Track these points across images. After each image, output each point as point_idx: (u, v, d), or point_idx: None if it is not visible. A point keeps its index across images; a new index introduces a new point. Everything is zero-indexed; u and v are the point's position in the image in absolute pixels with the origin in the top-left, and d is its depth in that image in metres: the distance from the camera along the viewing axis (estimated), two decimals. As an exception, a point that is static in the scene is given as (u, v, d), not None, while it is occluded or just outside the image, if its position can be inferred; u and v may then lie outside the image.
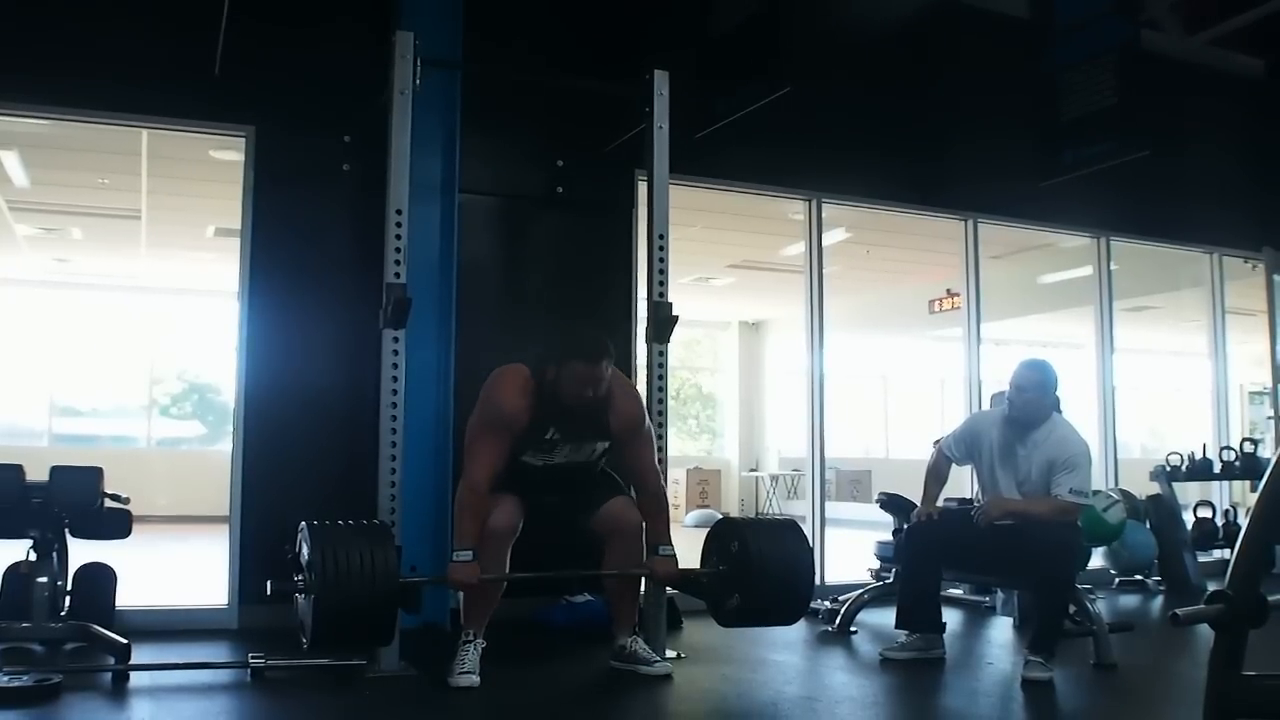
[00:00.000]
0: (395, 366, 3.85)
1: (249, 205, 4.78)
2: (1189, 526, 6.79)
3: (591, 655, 4.08)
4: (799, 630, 4.55)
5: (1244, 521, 1.72)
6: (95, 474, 4.08)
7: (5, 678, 3.25)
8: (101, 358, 12.00)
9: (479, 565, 3.53)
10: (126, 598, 4.39)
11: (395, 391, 3.85)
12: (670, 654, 4.10)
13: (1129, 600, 6.13)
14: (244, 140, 4.84)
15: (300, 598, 3.42)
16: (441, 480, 4.50)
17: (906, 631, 4.21)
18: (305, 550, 3.35)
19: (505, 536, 3.67)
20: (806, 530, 4.37)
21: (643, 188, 5.03)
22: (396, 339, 3.85)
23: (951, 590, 5.30)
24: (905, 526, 4.64)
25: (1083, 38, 5.69)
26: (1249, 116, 7.56)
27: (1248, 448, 7.05)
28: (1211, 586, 1.63)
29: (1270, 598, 1.59)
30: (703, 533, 4.16)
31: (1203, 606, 1.59)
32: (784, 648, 4.47)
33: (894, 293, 12.15)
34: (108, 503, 4.13)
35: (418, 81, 3.97)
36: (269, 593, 3.45)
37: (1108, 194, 6.56)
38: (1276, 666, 1.65)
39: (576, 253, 5.42)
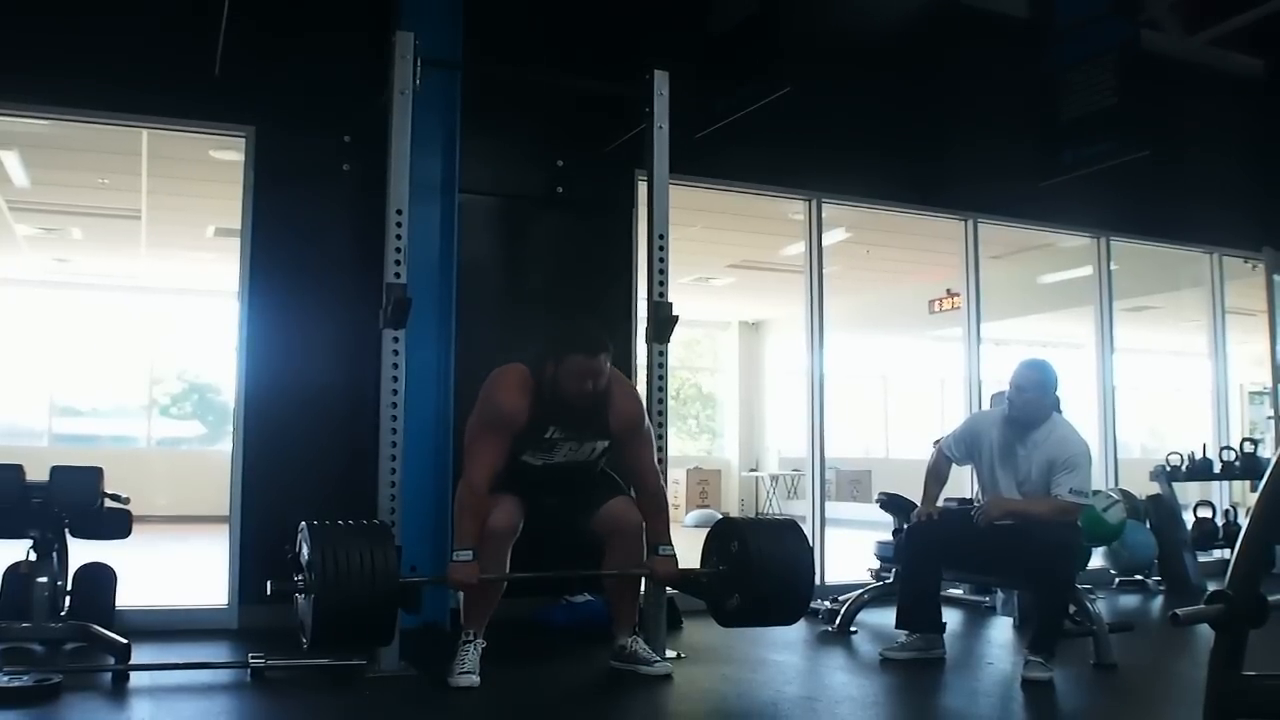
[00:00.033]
0: (395, 366, 3.85)
1: (249, 205, 4.78)
2: (1189, 526, 6.78)
3: (591, 655, 4.08)
4: (799, 630, 4.55)
5: (1244, 521, 1.72)
6: (95, 474, 4.08)
7: (5, 678, 3.25)
8: (101, 358, 12.01)
9: (479, 565, 3.53)
10: (126, 598, 4.39)
11: (395, 391, 3.85)
12: (670, 654, 4.10)
13: (1129, 600, 6.13)
14: (244, 140, 4.84)
15: (300, 598, 3.42)
16: (441, 480, 4.50)
17: (906, 631, 4.21)
18: (305, 550, 3.35)
19: (505, 536, 3.67)
20: (806, 530, 4.37)
21: (643, 188, 5.03)
22: (396, 339, 3.85)
23: (951, 590, 5.30)
24: (905, 526, 4.64)
25: (1082, 38, 5.69)
26: (1249, 116, 7.56)
27: (1248, 448, 7.05)
28: (1211, 586, 1.63)
29: (1270, 598, 1.60)
30: (703, 533, 4.16)
31: (1203, 606, 1.59)
32: (784, 648, 4.47)
33: (894, 293, 12.15)
34: (108, 503, 4.13)
35: (418, 81, 3.97)
36: (269, 593, 3.45)
37: (1108, 194, 6.57)
38: (1276, 666, 1.65)
39: (576, 253, 5.42)
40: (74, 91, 4.56)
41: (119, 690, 3.47)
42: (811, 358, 6.09)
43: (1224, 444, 7.21)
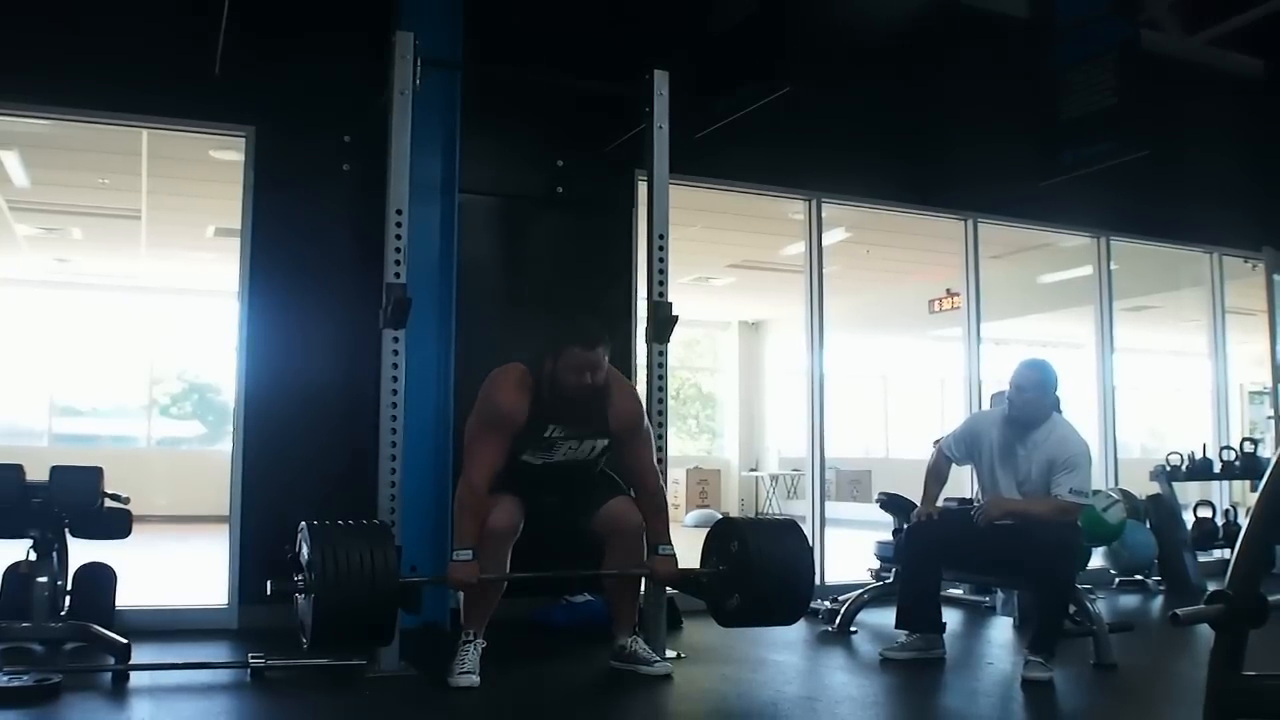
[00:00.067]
0: (395, 366, 3.85)
1: (249, 205, 4.78)
2: (1189, 526, 6.78)
3: (591, 655, 4.08)
4: (799, 630, 4.55)
5: (1244, 521, 1.72)
6: (95, 474, 4.08)
7: (5, 678, 3.25)
8: (101, 358, 12.01)
9: (479, 565, 3.53)
10: (126, 598, 4.39)
11: (395, 391, 3.85)
12: (670, 654, 4.10)
13: (1129, 600, 6.13)
14: (244, 140, 4.84)
15: (300, 598, 3.42)
16: (441, 480, 4.50)
17: (906, 631, 4.21)
18: (305, 550, 3.34)
19: (505, 536, 3.67)
20: (806, 530, 4.37)
21: (643, 188, 5.03)
22: (396, 339, 3.85)
23: (951, 590, 5.30)
24: (905, 526, 4.64)
25: (1082, 38, 5.70)
26: (1249, 117, 7.56)
27: (1248, 448, 7.05)
28: (1211, 586, 1.63)
29: (1270, 598, 1.59)
30: (702, 533, 4.16)
31: (1203, 606, 1.59)
32: (784, 648, 4.47)
33: (894, 293, 12.15)
34: (108, 503, 4.13)
35: (418, 82, 3.97)
36: (269, 593, 3.45)
37: (1108, 194, 6.57)
38: (1276, 666, 1.65)
39: (576, 253, 5.42)
40: (74, 91, 4.56)
41: (119, 690, 3.47)
42: (811, 358, 6.09)
43: (1224, 444, 7.21)
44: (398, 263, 3.85)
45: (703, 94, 5.31)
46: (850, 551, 6.09)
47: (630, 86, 4.41)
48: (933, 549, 4.22)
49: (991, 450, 4.26)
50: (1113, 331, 7.11)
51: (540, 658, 4.25)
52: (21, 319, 11.34)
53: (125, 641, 3.67)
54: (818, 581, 4.64)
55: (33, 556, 3.93)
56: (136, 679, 3.55)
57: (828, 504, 6.24)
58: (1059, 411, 4.27)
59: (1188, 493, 7.11)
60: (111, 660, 3.64)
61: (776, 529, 4.04)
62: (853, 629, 4.84)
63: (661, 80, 4.35)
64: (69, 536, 4.14)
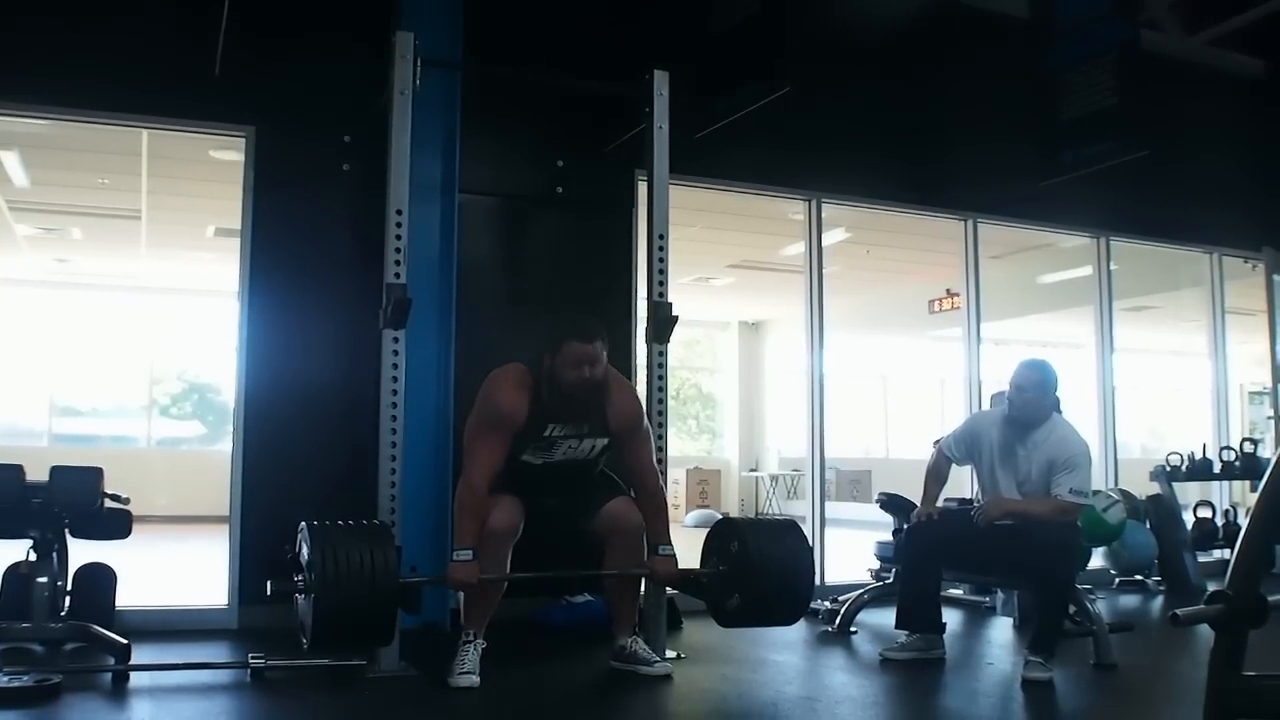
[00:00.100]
0: (395, 366, 3.85)
1: (249, 205, 4.78)
2: (1189, 526, 6.78)
3: (591, 655, 4.08)
4: (799, 630, 4.55)
5: (1244, 521, 1.71)
6: (95, 474, 4.08)
7: (5, 678, 3.25)
8: (101, 358, 12.00)
9: (479, 565, 3.53)
10: (126, 598, 4.39)
11: (395, 391, 3.85)
12: (670, 654, 4.10)
13: (1129, 600, 6.13)
14: (244, 140, 4.84)
15: (300, 598, 3.42)
16: (441, 480, 4.50)
17: (906, 631, 4.21)
18: (305, 550, 3.34)
19: (505, 537, 3.67)
20: (806, 530, 4.37)
21: (643, 188, 5.03)
22: (396, 339, 3.85)
23: (951, 590, 5.30)
24: (905, 526, 4.64)
25: (1082, 38, 5.69)
26: (1249, 117, 7.56)
27: (1248, 448, 7.05)
28: (1211, 586, 1.63)
29: (1270, 598, 1.59)
30: (703, 533, 4.16)
31: (1203, 606, 1.59)
32: (784, 648, 4.47)
33: (894, 293, 12.15)
34: (108, 503, 4.13)
35: (418, 82, 3.96)
36: (269, 593, 3.44)
37: (1108, 194, 6.57)
38: (1276, 666, 1.65)
39: (576, 253, 5.42)
40: (74, 91, 4.56)
41: (119, 690, 3.47)
42: (811, 358, 6.09)
43: (1224, 444, 7.21)
44: (398, 263, 3.85)
45: (703, 94, 5.31)
46: (850, 552, 6.09)
47: (630, 86, 4.41)
48: (933, 549, 4.22)
49: (991, 450, 4.26)
50: (1113, 331, 7.11)
51: (540, 658, 4.25)
52: (21, 319, 11.34)
53: (125, 642, 3.67)
54: (818, 582, 4.64)
55: (33, 557, 3.93)
56: (136, 679, 3.55)
57: (828, 504, 6.24)
58: (1059, 412, 4.27)
59: (1188, 493, 7.11)
60: (111, 661, 3.64)
61: (776, 529, 4.04)
62: (853, 629, 4.84)
63: (661, 80, 4.35)
64: (69, 537, 4.14)
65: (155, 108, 4.75)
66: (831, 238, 7.16)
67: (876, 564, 5.44)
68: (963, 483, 5.54)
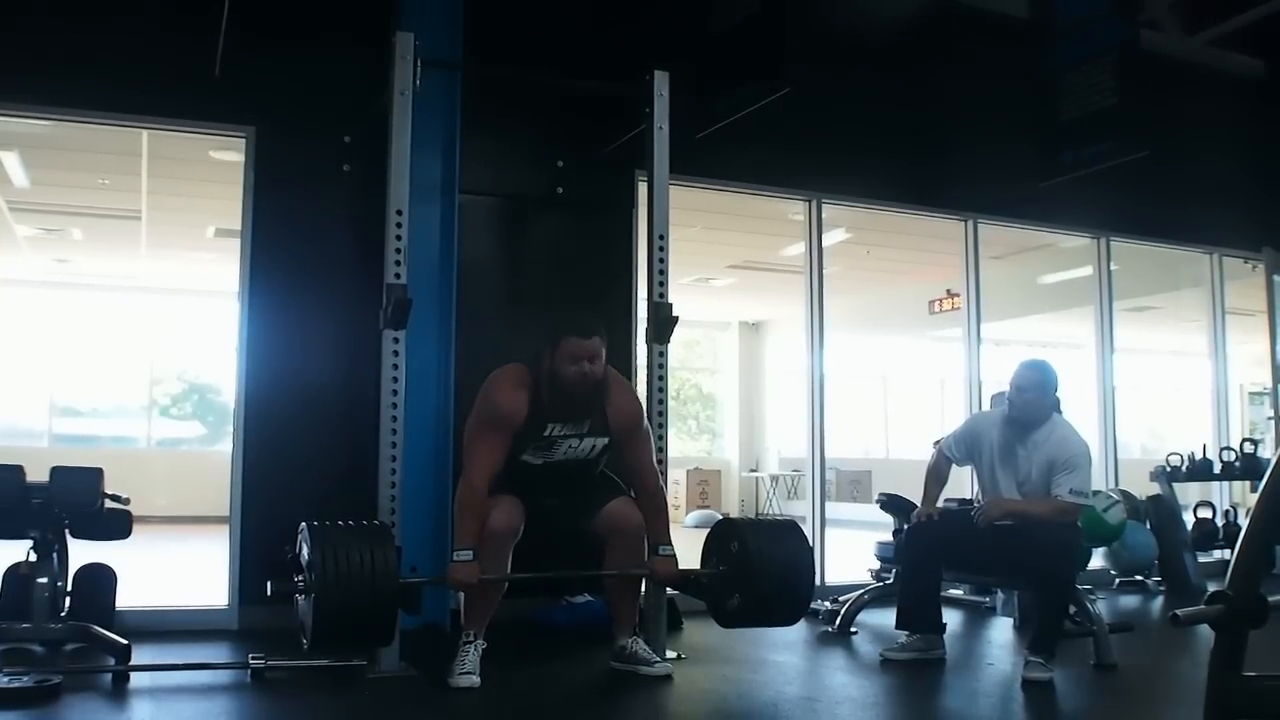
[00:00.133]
0: (395, 366, 3.85)
1: (249, 205, 4.78)
2: (1189, 527, 6.78)
3: (591, 656, 4.08)
4: (799, 631, 4.55)
5: (1244, 522, 1.71)
6: (95, 474, 4.08)
7: (5, 678, 3.25)
8: (101, 358, 12.00)
9: (479, 565, 3.53)
10: (126, 598, 4.39)
11: (395, 391, 3.85)
12: (670, 654, 4.10)
13: (1129, 600, 6.13)
14: (244, 140, 4.84)
15: (300, 598, 3.42)
16: (441, 480, 4.50)
17: (907, 632, 4.21)
18: (305, 551, 3.34)
19: (506, 537, 3.67)
20: (806, 531, 4.37)
21: (643, 188, 5.03)
22: (396, 339, 3.85)
23: (951, 590, 5.30)
24: (905, 527, 4.64)
25: (1082, 38, 5.69)
26: (1249, 116, 7.56)
27: (1248, 448, 7.05)
28: (1211, 586, 1.63)
29: (1270, 598, 1.59)
30: (703, 533, 4.16)
31: (1203, 607, 1.59)
32: (784, 648, 4.47)
33: (894, 293, 12.15)
34: (108, 503, 4.13)
35: (418, 82, 3.97)
36: (269, 593, 3.44)
37: (1108, 194, 6.57)
38: (1276, 666, 1.65)
39: (576, 253, 5.42)
40: (74, 91, 4.56)
41: (119, 691, 3.47)
42: (811, 358, 6.09)
43: (1224, 444, 7.21)
44: (398, 263, 3.85)
45: (703, 94, 5.31)
46: (850, 552, 6.09)
47: (630, 87, 4.41)
48: (933, 549, 4.22)
49: (992, 451, 4.26)
50: (1113, 332, 7.11)
51: (540, 658, 4.25)
52: (21, 319, 11.33)
53: (125, 642, 3.67)
54: (818, 582, 4.64)
55: (33, 557, 3.93)
56: (137, 680, 3.55)
57: (828, 504, 6.24)
58: (1059, 412, 4.27)
59: (1188, 493, 7.11)
60: (112, 661, 3.64)
61: (777, 529, 4.04)
62: (853, 629, 4.84)
63: (661, 81, 4.34)
64: (69, 537, 4.14)
65: (155, 108, 4.76)
66: (832, 238, 7.16)
67: (877, 564, 5.44)
68: (963, 483, 5.54)
